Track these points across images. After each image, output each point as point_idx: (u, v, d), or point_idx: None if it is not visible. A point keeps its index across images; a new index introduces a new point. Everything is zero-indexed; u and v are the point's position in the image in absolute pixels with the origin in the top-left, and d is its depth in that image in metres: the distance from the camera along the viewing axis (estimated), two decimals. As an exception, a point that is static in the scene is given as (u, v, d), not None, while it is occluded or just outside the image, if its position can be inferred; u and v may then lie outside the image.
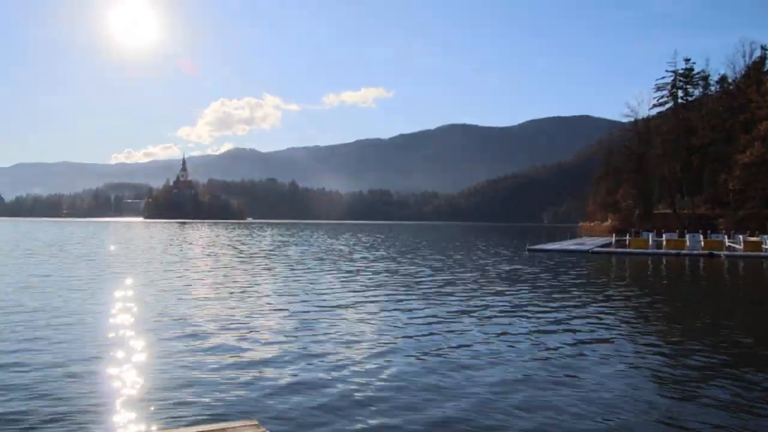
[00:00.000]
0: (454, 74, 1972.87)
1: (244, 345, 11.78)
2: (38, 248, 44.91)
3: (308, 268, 29.84)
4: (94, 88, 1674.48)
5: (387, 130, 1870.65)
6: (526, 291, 21.44)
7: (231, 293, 19.62)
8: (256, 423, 5.59)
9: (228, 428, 5.39)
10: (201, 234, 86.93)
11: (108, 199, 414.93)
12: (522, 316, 15.70)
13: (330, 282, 23.47)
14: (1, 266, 29.44)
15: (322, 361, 10.51)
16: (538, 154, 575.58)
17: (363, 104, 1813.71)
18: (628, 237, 55.69)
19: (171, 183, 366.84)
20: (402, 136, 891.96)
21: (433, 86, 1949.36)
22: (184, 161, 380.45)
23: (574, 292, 21.14)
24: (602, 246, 50.03)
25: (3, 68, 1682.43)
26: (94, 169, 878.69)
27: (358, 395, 8.66)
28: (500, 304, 17.96)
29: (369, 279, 24.90)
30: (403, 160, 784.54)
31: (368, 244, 58.08)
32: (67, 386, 8.87)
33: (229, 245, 53.44)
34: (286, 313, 15.59)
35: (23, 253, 39.49)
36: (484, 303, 18.06)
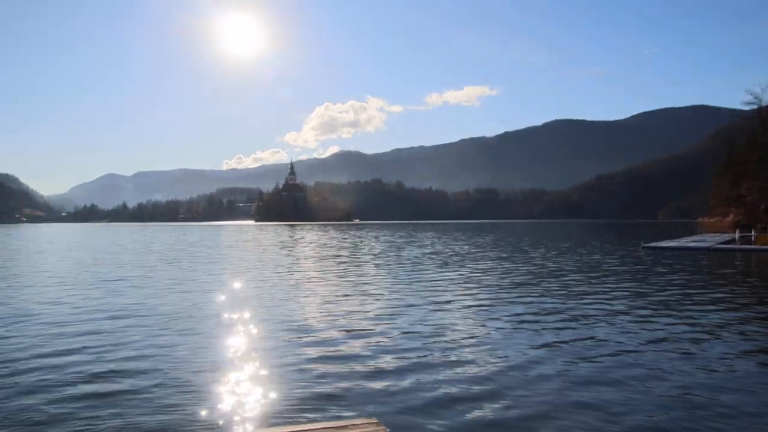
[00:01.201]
0: (559, 68, 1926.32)
1: (367, 346, 11.81)
2: (168, 251, 47.42)
3: (426, 269, 29.37)
4: (206, 98, 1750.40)
5: (492, 128, 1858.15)
6: (646, 291, 20.10)
7: (350, 295, 19.57)
8: (377, 421, 5.53)
9: (349, 425, 5.40)
10: (312, 236, 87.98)
11: (221, 204, 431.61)
12: (647, 317, 14.71)
13: (450, 283, 22.98)
14: (138, 269, 30.72)
15: (443, 362, 10.36)
16: (651, 147, 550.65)
17: (467, 103, 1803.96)
18: (753, 233, 51.62)
19: (280, 186, 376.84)
20: (507, 133, 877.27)
21: (538, 82, 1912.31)
22: (291, 165, 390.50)
23: (697, 292, 19.56)
24: (724, 243, 46.62)
25: (121, 83, 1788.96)
26: (207, 175, 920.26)
27: (476, 394, 8.50)
28: (623, 305, 16.86)
29: (490, 280, 24.21)
30: (509, 157, 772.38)
31: (480, 244, 56.96)
32: (192, 380, 9.37)
33: (343, 247, 53.68)
34: (409, 316, 15.30)
35: (158, 256, 41.52)
36: (607, 305, 16.98)
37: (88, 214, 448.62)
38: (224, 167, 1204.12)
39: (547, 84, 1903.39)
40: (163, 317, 15.18)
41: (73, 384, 9.23)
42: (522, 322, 14.33)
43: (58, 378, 9.54)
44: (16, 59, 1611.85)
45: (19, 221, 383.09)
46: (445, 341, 12.04)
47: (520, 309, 16.30)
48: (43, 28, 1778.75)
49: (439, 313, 15.71)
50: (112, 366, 10.26)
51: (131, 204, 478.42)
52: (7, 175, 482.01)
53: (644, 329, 13.26)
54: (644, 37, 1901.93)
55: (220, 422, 7.53)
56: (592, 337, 12.47)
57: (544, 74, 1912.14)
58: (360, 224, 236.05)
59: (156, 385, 9.10)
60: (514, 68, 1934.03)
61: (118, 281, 24.38)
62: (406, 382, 9.12)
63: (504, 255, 40.14)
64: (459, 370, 9.86)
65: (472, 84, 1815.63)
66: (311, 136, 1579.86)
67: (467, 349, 11.30)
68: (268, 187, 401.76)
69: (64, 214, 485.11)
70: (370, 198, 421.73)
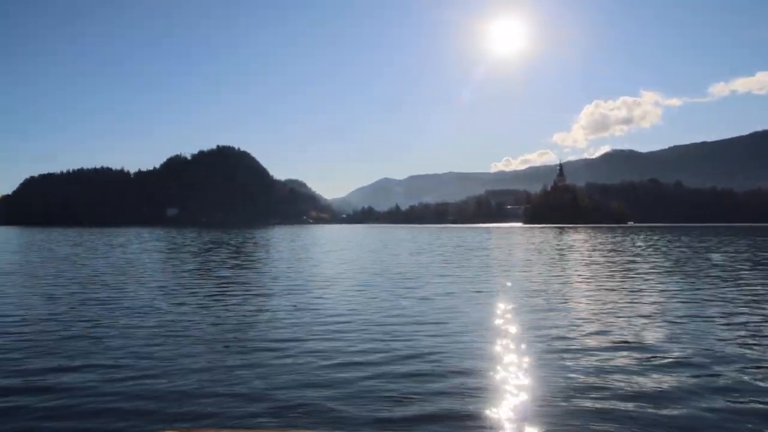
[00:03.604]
0: None
1: (660, 363, 10.87)
2: (445, 252, 47.68)
3: (731, 279, 25.57)
4: (473, 101, 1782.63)
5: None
6: None
7: (638, 307, 17.76)
8: None
9: None
10: (584, 239, 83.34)
11: (489, 206, 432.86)
12: None
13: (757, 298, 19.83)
14: (421, 269, 31.43)
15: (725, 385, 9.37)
16: None
17: (759, 91, 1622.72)
18: None
19: (548, 188, 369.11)
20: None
21: None
22: (560, 166, 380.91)
23: None
24: None
25: (393, 88, 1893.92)
26: (475, 178, 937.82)
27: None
28: None
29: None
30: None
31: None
32: (455, 381, 9.60)
33: (621, 251, 49.42)
34: (706, 333, 13.56)
35: (436, 257, 42.17)
36: None
37: (364, 216, 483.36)
38: (492, 169, 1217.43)
39: None
40: (439, 321, 15.38)
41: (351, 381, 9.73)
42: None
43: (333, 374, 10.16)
44: (301, 77, 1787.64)
45: (306, 222, 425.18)
46: (744, 365, 10.60)
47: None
48: (301, 45, 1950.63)
49: (746, 333, 13.66)
50: (384, 369, 10.46)
51: (403, 206, 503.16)
52: (297, 181, 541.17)
53: None
54: None
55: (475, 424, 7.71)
56: None
57: None
58: (635, 227, 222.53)
59: (426, 389, 9.25)
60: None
61: (405, 282, 25.09)
62: (692, 403, 8.45)
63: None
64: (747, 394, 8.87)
65: (766, 69, 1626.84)
66: (581, 135, 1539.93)
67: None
68: (535, 188, 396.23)
69: (344, 216, 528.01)
70: (645, 199, 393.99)
